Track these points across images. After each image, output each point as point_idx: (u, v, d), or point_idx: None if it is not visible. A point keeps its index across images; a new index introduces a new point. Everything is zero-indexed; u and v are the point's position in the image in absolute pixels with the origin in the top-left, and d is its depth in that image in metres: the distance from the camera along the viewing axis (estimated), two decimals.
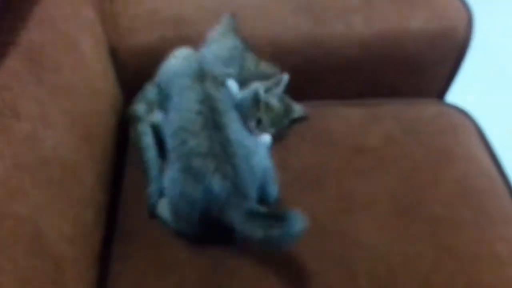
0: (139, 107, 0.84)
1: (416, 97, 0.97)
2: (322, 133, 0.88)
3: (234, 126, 0.73)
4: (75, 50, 0.72)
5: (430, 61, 0.96)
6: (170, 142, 0.75)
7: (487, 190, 0.79)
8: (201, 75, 0.78)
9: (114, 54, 0.90)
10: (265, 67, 0.82)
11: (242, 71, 0.80)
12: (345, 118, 0.91)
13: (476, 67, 1.25)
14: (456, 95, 1.04)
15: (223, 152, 0.68)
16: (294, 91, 0.90)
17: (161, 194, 0.76)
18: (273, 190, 0.75)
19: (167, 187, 0.74)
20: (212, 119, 0.71)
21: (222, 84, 0.79)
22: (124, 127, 0.91)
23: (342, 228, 0.74)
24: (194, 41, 0.90)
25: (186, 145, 0.70)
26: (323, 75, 0.95)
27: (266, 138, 0.82)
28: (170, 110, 0.78)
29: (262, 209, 0.67)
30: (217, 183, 0.66)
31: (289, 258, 0.70)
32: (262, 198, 0.73)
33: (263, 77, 0.83)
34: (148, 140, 0.81)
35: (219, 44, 0.83)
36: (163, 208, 0.75)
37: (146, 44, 0.90)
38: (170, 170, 0.73)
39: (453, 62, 0.97)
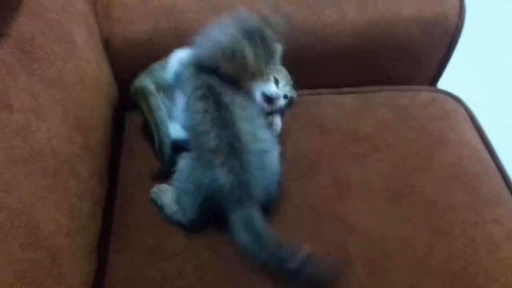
0: (148, 83, 0.83)
1: (409, 84, 0.98)
2: (316, 120, 0.88)
3: (244, 122, 0.72)
4: (67, 41, 0.71)
5: (422, 48, 0.97)
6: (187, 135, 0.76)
7: (479, 174, 0.80)
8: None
9: (107, 44, 0.89)
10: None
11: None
12: (338, 106, 0.91)
13: (468, 53, 1.26)
14: (447, 81, 1.05)
15: (231, 148, 0.69)
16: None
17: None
18: (275, 191, 0.75)
19: (178, 171, 0.74)
20: (219, 116, 0.71)
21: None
22: (119, 117, 0.91)
23: (337, 213, 0.74)
24: (188, 31, 0.89)
25: (197, 140, 0.72)
26: (316, 63, 0.95)
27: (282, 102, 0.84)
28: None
29: (260, 224, 0.68)
30: (223, 175, 0.68)
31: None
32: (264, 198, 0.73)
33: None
34: (162, 115, 0.80)
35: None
36: (162, 194, 0.76)
37: (138, 35, 0.89)
38: (184, 158, 0.74)
39: (445, 48, 0.97)
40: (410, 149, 0.83)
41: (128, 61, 0.90)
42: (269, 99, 0.82)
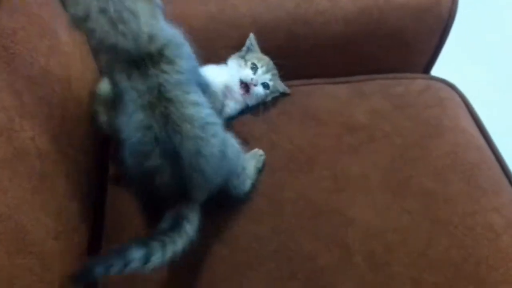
0: (104, 85, 0.77)
1: (403, 72, 0.96)
2: (310, 112, 0.86)
3: (192, 140, 0.62)
4: (50, 36, 0.69)
5: (415, 35, 0.95)
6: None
7: (477, 162, 0.79)
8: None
9: None
10: None
11: None
12: (333, 96, 0.89)
13: (461, 40, 1.25)
14: (441, 68, 1.03)
15: (174, 165, 0.62)
16: (280, 71, 0.89)
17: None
18: (240, 184, 0.72)
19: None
20: (165, 133, 0.60)
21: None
22: None
23: (336, 207, 0.73)
24: (172, 22, 0.87)
25: (135, 158, 0.63)
26: (308, 53, 0.93)
27: (259, 89, 0.85)
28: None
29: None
30: (163, 186, 0.63)
31: (284, 240, 0.70)
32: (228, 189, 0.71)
33: None
34: (102, 118, 0.76)
35: None
36: None
37: None
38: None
39: (438, 35, 0.96)
40: (407, 138, 0.82)
41: None
42: (245, 85, 0.83)
